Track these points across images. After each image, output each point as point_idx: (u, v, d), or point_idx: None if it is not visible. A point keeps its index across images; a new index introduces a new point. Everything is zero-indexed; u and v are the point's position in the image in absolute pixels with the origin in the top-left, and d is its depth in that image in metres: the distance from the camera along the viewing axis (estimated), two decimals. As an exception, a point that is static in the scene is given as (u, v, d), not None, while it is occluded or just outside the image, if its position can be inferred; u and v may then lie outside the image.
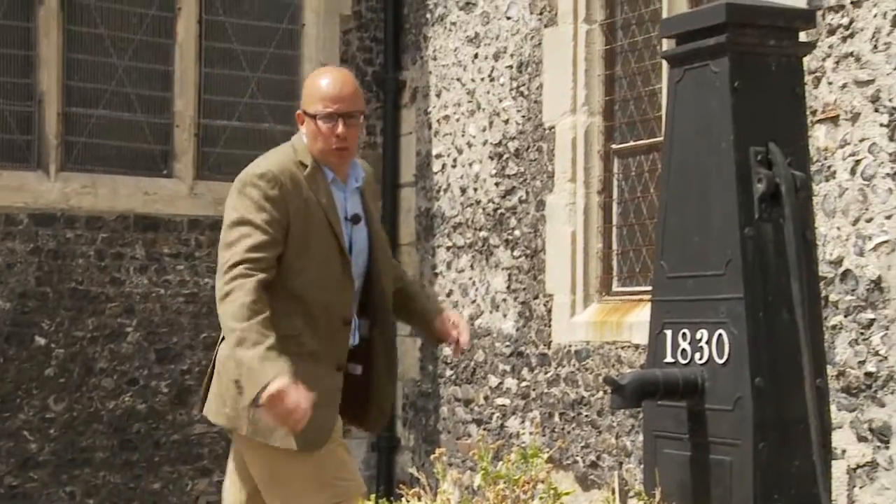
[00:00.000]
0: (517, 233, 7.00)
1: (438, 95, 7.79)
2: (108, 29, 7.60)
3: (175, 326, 7.76)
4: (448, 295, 7.73)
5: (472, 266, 7.42)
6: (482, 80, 7.34)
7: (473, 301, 7.42)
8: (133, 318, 7.63)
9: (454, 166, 7.65)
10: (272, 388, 3.15)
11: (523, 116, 6.98)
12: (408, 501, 3.13)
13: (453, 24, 7.59)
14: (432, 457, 3.03)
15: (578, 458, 6.37)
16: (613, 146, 6.55)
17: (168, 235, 7.77)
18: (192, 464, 7.75)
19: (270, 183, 3.36)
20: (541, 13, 6.84)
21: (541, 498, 2.84)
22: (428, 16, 7.88)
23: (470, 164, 7.47)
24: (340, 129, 3.39)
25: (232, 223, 3.41)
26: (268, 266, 3.33)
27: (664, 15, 6.01)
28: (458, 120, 7.60)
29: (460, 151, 7.56)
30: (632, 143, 6.46)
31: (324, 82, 3.46)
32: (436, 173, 7.88)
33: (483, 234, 7.33)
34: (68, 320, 7.43)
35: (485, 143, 7.32)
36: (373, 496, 3.01)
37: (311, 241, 3.38)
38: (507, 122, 7.08)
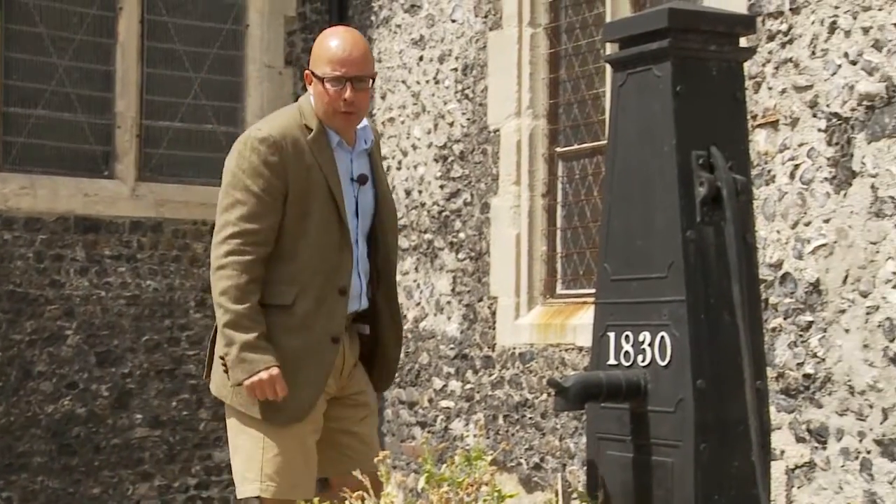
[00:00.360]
0: (462, 235, 7.01)
1: (383, 98, 7.78)
2: (47, 28, 7.50)
3: (116, 329, 7.68)
4: (392, 297, 7.72)
5: (416, 268, 7.42)
6: (427, 82, 7.34)
7: (418, 304, 7.42)
8: (73, 320, 7.54)
9: (399, 168, 7.64)
10: (264, 374, 3.25)
11: (468, 119, 6.99)
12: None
13: (398, 26, 7.58)
14: (376, 459, 3.02)
15: (522, 461, 6.39)
16: (558, 149, 6.58)
17: (109, 237, 7.68)
18: (132, 468, 7.67)
19: (271, 148, 3.30)
20: (485, 16, 6.85)
21: (484, 500, 2.84)
22: (373, 18, 7.87)
23: (415, 167, 7.47)
24: (348, 93, 3.31)
25: (229, 185, 3.38)
26: (264, 238, 3.30)
27: (608, 19, 6.05)
28: (402, 122, 7.59)
29: (405, 154, 7.56)
30: (576, 147, 6.49)
31: (333, 43, 3.35)
32: (380, 176, 7.86)
33: (428, 236, 7.33)
34: (6, 323, 7.33)
35: (430, 145, 7.32)
36: (316, 499, 2.99)
37: (311, 206, 3.33)
38: (452, 124, 7.08)
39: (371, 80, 3.41)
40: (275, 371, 3.26)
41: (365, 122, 3.54)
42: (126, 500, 7.66)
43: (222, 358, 3.39)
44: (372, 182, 3.50)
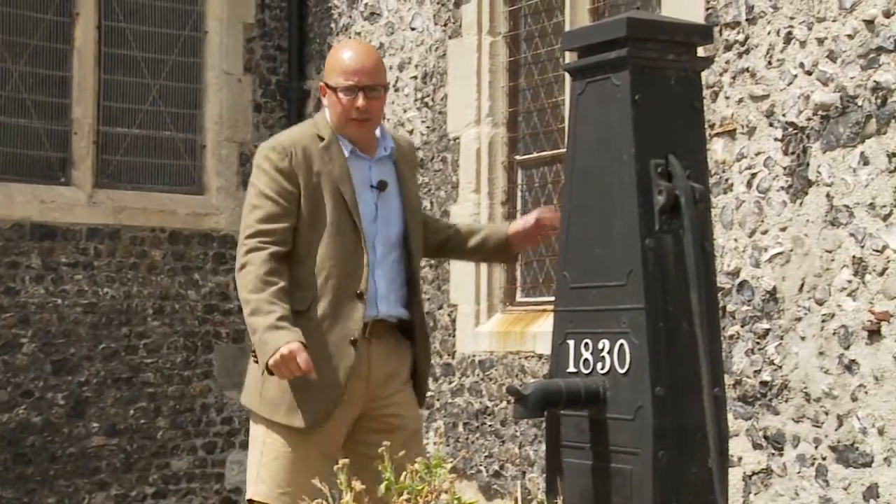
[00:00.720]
0: (421, 243, 7.01)
1: (343, 105, 7.77)
2: (2, 33, 7.44)
3: (72, 337, 7.61)
4: (352, 305, 7.70)
5: (375, 276, 7.40)
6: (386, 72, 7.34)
7: (377, 311, 7.41)
8: (28, 328, 7.47)
9: (358, 176, 7.63)
10: (284, 349, 3.22)
11: (428, 127, 6.99)
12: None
13: (358, 34, 7.58)
14: (335, 468, 3.01)
15: (482, 468, 6.39)
16: (517, 157, 6.60)
17: (66, 244, 7.62)
18: (88, 477, 7.60)
19: (280, 155, 3.43)
20: (445, 25, 6.87)
21: (444, 507, 2.84)
22: (332, 25, 7.86)
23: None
24: (360, 101, 3.41)
25: (249, 193, 3.50)
26: (281, 238, 3.38)
27: (567, 28, 6.08)
28: (362, 130, 7.58)
29: (364, 161, 7.55)
30: (535, 155, 6.52)
31: (345, 55, 3.47)
32: (340, 183, 7.85)
33: (387, 244, 7.31)
34: (-39, 331, 7.26)
35: (389, 153, 7.32)
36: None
37: (323, 212, 3.41)
38: (411, 132, 7.08)
39: (384, 89, 3.51)
40: (294, 346, 3.23)
41: (386, 130, 3.61)
42: (82, 510, 7.59)
43: (253, 352, 3.43)
44: (398, 191, 3.55)
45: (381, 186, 3.50)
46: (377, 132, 3.56)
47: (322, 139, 3.47)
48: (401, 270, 3.56)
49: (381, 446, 2.95)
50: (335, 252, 3.41)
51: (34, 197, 7.52)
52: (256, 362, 3.42)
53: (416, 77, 7.10)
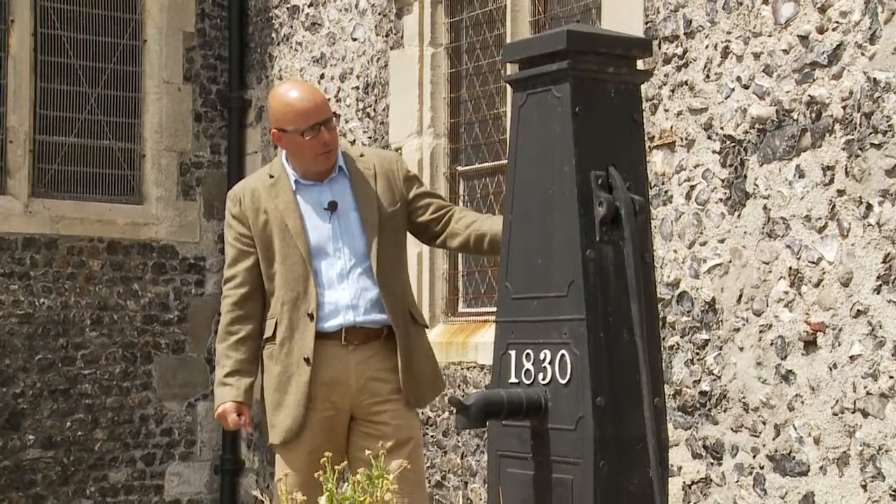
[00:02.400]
0: (362, 254, 7.00)
1: (284, 115, 7.74)
2: (-63, 40, 7.33)
3: (8, 348, 7.50)
4: (292, 316, 7.66)
5: (317, 287, 7.38)
6: (328, 100, 7.33)
7: (318, 322, 7.38)
8: (-37, 339, 7.35)
9: (299, 186, 7.60)
10: (219, 409, 3.68)
11: (370, 137, 6.99)
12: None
13: (299, 44, 7.56)
14: (276, 479, 3.00)
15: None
16: (459, 168, 6.62)
17: (1, 254, 7.51)
18: (24, 490, 7.49)
19: (232, 202, 3.73)
20: (386, 35, 6.87)
21: (386, 517, 2.84)
22: (273, 35, 7.83)
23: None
24: (326, 136, 3.59)
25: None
26: (243, 279, 3.70)
27: (508, 40, 6.11)
28: (303, 140, 7.57)
29: (306, 171, 7.53)
30: (477, 166, 6.54)
31: (295, 99, 3.64)
32: (281, 193, 7.82)
33: (328, 254, 7.30)
34: None
35: (330, 163, 7.31)
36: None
37: (274, 246, 3.65)
38: (353, 142, 7.08)
39: (336, 117, 3.73)
40: (227, 406, 3.64)
41: (344, 149, 3.79)
42: (17, 524, 7.47)
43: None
44: (354, 205, 3.69)
45: (332, 207, 3.67)
46: None
47: (271, 177, 3.71)
48: (370, 279, 3.70)
49: (360, 449, 3.33)
50: (285, 280, 3.65)
51: (-31, 206, 7.41)
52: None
53: (357, 87, 7.10)
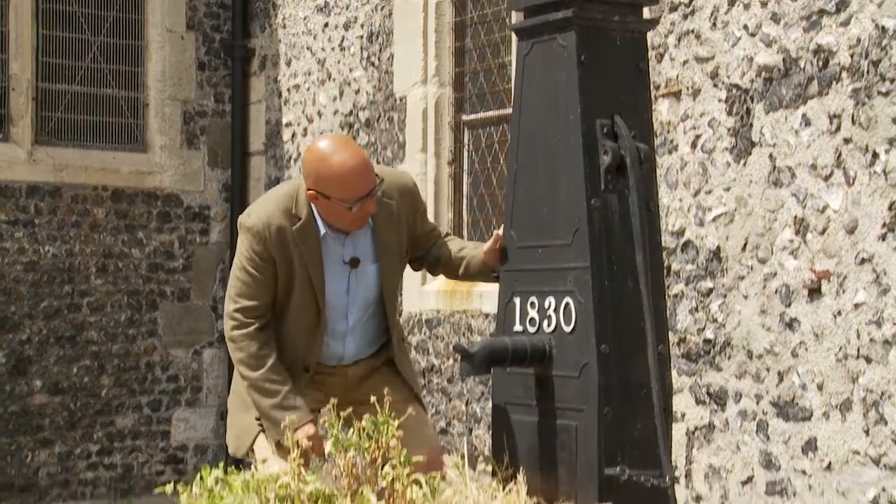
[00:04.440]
0: (367, 202, 7.00)
1: (288, 64, 7.71)
2: (-62, -13, 7.29)
3: (13, 295, 7.53)
4: (297, 264, 7.68)
5: (321, 235, 7.39)
6: (332, 49, 7.29)
7: (323, 270, 7.40)
8: (-31, 287, 7.39)
9: (304, 135, 7.59)
10: (300, 433, 3.28)
11: (374, 87, 6.96)
12: (256, 468, 3.13)
13: (303, -9, 7.51)
14: (282, 425, 3.03)
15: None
16: (464, 117, 6.60)
17: (5, 202, 7.52)
18: (31, 435, 7.55)
19: (256, 238, 3.47)
20: (391, -18, 6.82)
21: (391, 465, 2.86)
22: (277, -18, 7.78)
23: (321, 134, 7.42)
24: (370, 207, 3.43)
25: (236, 258, 3.60)
26: (262, 312, 3.52)
27: (513, -13, 6.07)
28: (308, 89, 7.54)
29: (311, 120, 7.51)
30: (482, 115, 6.51)
31: (346, 170, 3.38)
32: (286, 142, 7.81)
33: (333, 203, 7.30)
34: None
35: (335, 112, 7.28)
36: (221, 463, 2.99)
37: (292, 291, 3.52)
38: (357, 91, 7.05)
39: (379, 183, 3.47)
40: (308, 429, 3.38)
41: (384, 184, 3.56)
42: (25, 468, 7.54)
43: (258, 419, 3.58)
44: (374, 258, 3.58)
45: (353, 264, 3.55)
46: None
47: (298, 219, 3.48)
48: (377, 324, 3.67)
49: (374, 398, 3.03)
50: (295, 330, 3.54)
51: (-27, 154, 7.42)
52: (263, 432, 3.55)
53: (361, 36, 7.06)
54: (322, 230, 3.49)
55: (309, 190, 3.43)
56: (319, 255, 3.49)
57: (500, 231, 3.39)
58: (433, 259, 3.71)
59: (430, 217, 6.64)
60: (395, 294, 3.71)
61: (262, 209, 3.54)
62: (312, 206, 3.47)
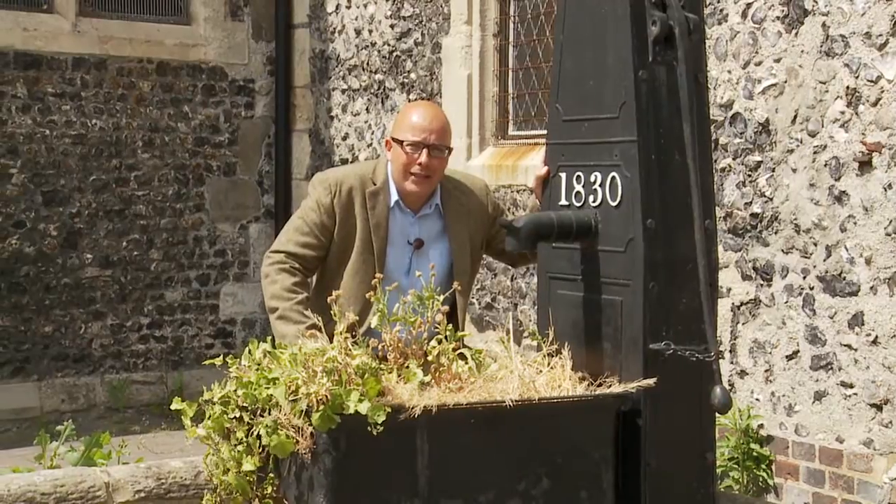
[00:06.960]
0: (413, 76, 6.94)
1: (331, -68, 7.58)
2: None
3: (62, 168, 7.59)
4: (344, 139, 7.68)
5: (367, 109, 7.36)
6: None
7: (370, 144, 7.39)
8: (17, 158, 7.45)
9: (349, 7, 7.50)
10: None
11: (418, -45, 6.84)
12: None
13: None
14: (329, 299, 3.05)
15: (474, 301, 6.48)
16: (510, -15, 6.48)
17: (52, 74, 7.53)
18: (84, 307, 7.70)
19: (326, 190, 3.55)
20: None
21: (437, 339, 2.89)
22: None
23: (364, 6, 7.33)
24: (424, 158, 3.49)
25: (299, 209, 3.64)
26: (308, 266, 3.56)
27: None
28: (351, -42, 7.42)
29: (354, -10, 7.41)
30: (528, -16, 6.39)
31: (415, 114, 3.56)
32: (330, 14, 7.72)
33: (378, 76, 7.24)
34: (-51, 163, 7.25)
35: (379, -18, 7.18)
36: (269, 338, 3.02)
37: (350, 253, 3.54)
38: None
39: (448, 151, 3.56)
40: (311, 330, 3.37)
41: (439, 185, 3.61)
42: (79, 339, 7.70)
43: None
44: (447, 249, 3.61)
45: (418, 245, 3.60)
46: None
47: (374, 184, 3.57)
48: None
49: None
50: (350, 289, 3.51)
51: (16, 24, 7.40)
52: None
53: None
54: (393, 198, 3.57)
55: (386, 140, 3.60)
56: (386, 221, 3.56)
57: (542, 172, 3.34)
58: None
59: (475, 93, 6.60)
60: (467, 291, 3.68)
61: (341, 170, 3.69)
62: (390, 178, 3.56)
